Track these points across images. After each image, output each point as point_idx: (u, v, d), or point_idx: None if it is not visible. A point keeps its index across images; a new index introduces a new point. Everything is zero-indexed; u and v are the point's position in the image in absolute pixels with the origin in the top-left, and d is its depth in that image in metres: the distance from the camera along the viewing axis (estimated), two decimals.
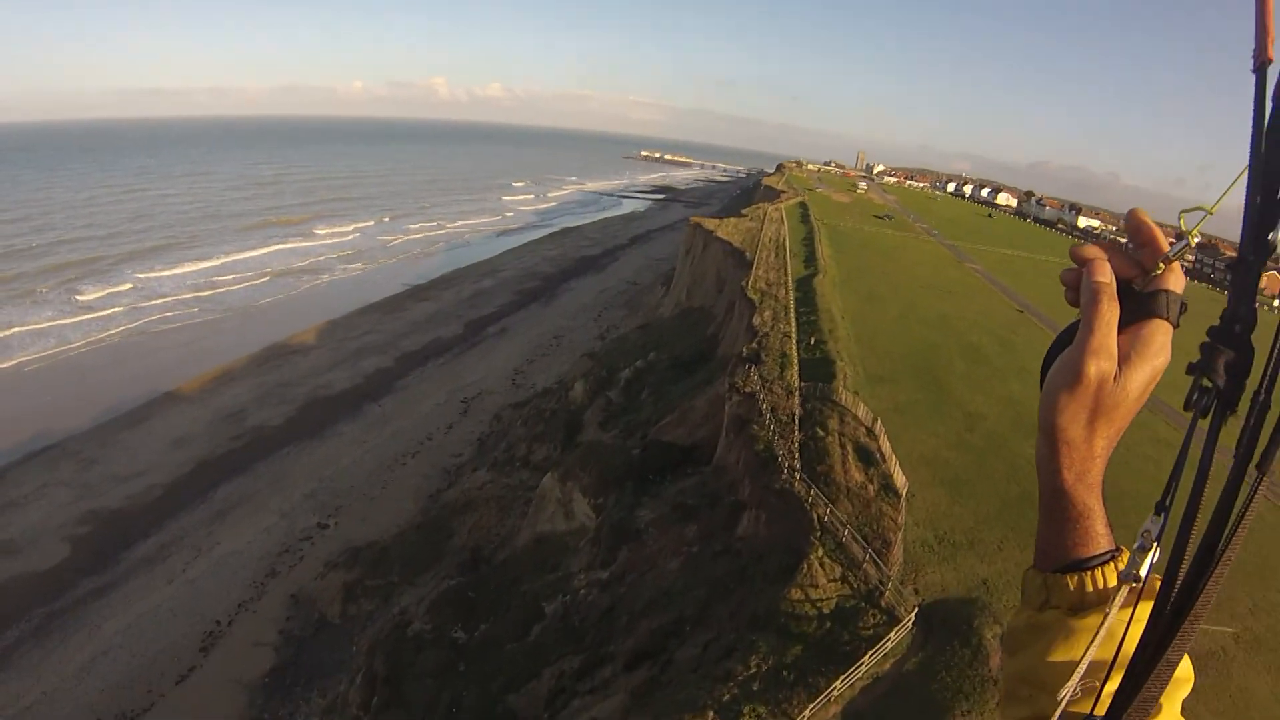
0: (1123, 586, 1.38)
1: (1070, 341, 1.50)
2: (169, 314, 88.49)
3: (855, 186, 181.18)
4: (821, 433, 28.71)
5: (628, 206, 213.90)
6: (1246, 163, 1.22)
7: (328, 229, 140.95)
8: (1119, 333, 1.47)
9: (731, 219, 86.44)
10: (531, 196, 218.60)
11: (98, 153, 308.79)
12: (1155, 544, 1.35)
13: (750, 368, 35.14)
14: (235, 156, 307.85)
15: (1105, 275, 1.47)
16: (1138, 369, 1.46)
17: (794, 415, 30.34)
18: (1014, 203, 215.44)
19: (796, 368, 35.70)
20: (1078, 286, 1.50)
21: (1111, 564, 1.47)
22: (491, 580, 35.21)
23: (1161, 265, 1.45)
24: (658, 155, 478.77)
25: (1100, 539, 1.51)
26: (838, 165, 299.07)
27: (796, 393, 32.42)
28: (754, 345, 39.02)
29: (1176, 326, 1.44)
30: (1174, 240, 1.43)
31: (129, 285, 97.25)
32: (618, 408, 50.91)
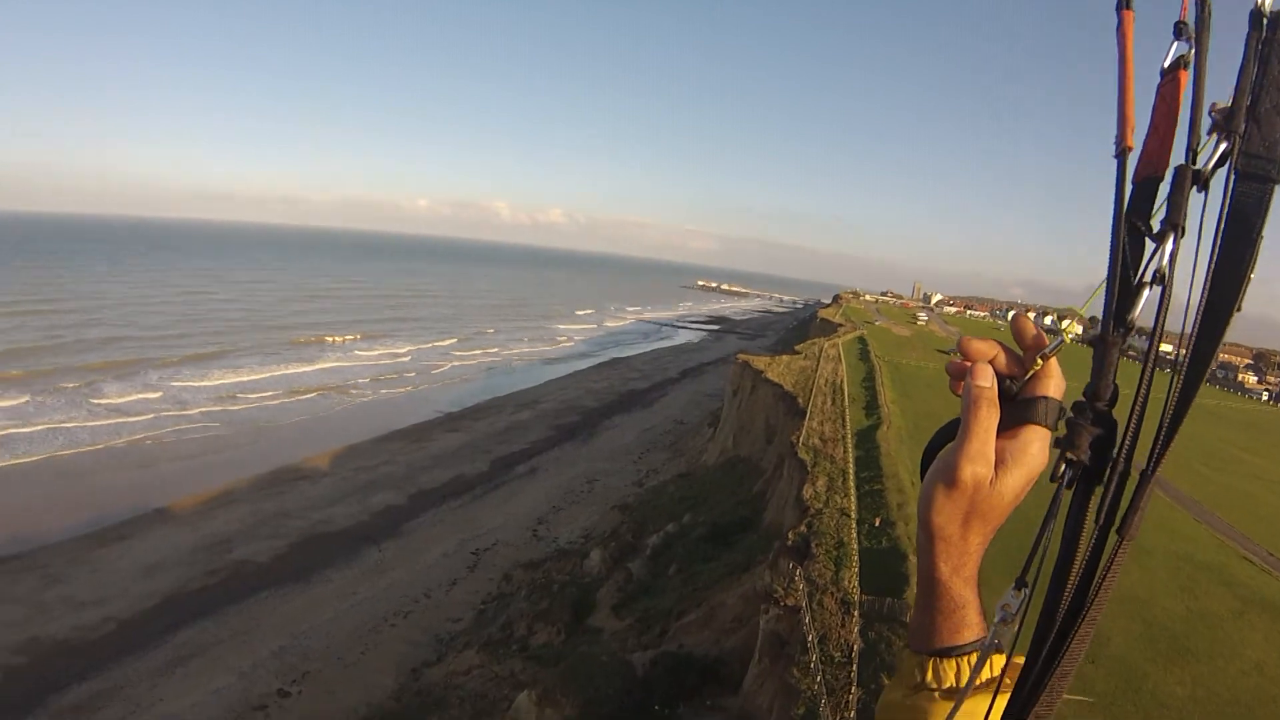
0: (982, 664, 1.46)
1: (951, 436, 1.55)
2: (186, 425, 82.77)
3: (915, 318, 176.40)
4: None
5: (681, 337, 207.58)
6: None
7: (374, 349, 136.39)
8: (998, 435, 1.52)
9: (784, 356, 79.24)
10: (586, 324, 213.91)
11: (167, 251, 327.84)
12: (1015, 617, 1.41)
13: (795, 567, 27.04)
14: (298, 266, 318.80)
15: (986, 379, 1.53)
16: (1013, 474, 1.50)
17: (851, 650, 22.00)
18: (1079, 329, 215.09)
19: (856, 568, 27.33)
20: (962, 378, 1.56)
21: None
22: None
23: (1040, 361, 1.52)
24: (714, 285, 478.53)
25: (974, 627, 1.56)
26: (894, 295, 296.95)
27: (856, 610, 24.14)
28: (803, 529, 31.04)
29: (1054, 431, 1.48)
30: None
31: (157, 393, 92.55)
32: (638, 586, 42.40)
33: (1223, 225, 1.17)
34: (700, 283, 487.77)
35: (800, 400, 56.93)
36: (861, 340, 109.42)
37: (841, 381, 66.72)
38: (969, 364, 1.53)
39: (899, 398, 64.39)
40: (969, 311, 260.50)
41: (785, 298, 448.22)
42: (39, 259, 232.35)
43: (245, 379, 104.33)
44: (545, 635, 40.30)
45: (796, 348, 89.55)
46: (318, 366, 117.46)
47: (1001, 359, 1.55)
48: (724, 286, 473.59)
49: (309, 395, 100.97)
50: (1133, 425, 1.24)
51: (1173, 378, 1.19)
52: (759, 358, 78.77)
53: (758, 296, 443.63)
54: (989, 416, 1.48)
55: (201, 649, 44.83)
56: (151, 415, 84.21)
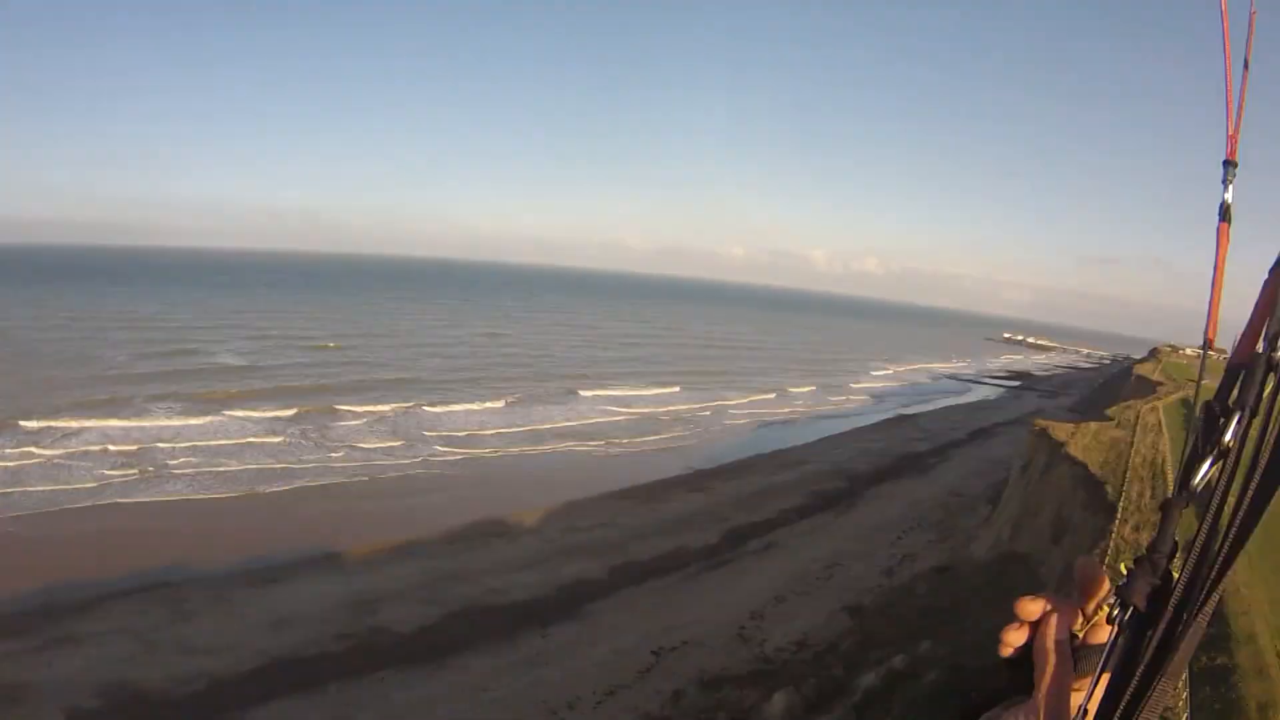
0: None
1: (991, 701, 1.56)
2: (410, 463, 79.75)
3: None
4: None
5: (978, 393, 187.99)
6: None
7: (647, 397, 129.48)
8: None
9: (1091, 424, 61.55)
10: (879, 377, 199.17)
11: (473, 290, 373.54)
12: None
13: None
14: (603, 309, 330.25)
15: (1061, 632, 1.53)
16: None
17: None
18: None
19: None
20: (1016, 644, 1.57)
21: None
22: None
23: (1104, 608, 1.51)
24: (1019, 338, 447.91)
25: None
26: (1216, 350, 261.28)
27: None
28: None
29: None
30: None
31: (395, 430, 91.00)
32: None
33: None
34: (1005, 335, 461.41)
35: (1108, 489, 41.11)
36: (1187, 404, 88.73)
37: (1164, 462, 49.65)
38: (1037, 619, 1.55)
39: None
40: None
41: (1093, 352, 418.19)
42: (350, 294, 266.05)
43: (496, 421, 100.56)
44: None
45: (1108, 412, 71.11)
46: (578, 412, 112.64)
47: (1064, 612, 1.54)
48: (1029, 340, 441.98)
49: (559, 443, 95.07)
50: (1184, 579, 1.29)
51: (1221, 541, 1.24)
52: (1061, 425, 61.72)
53: (1062, 350, 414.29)
54: (1065, 674, 1.47)
55: None
56: (380, 451, 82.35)
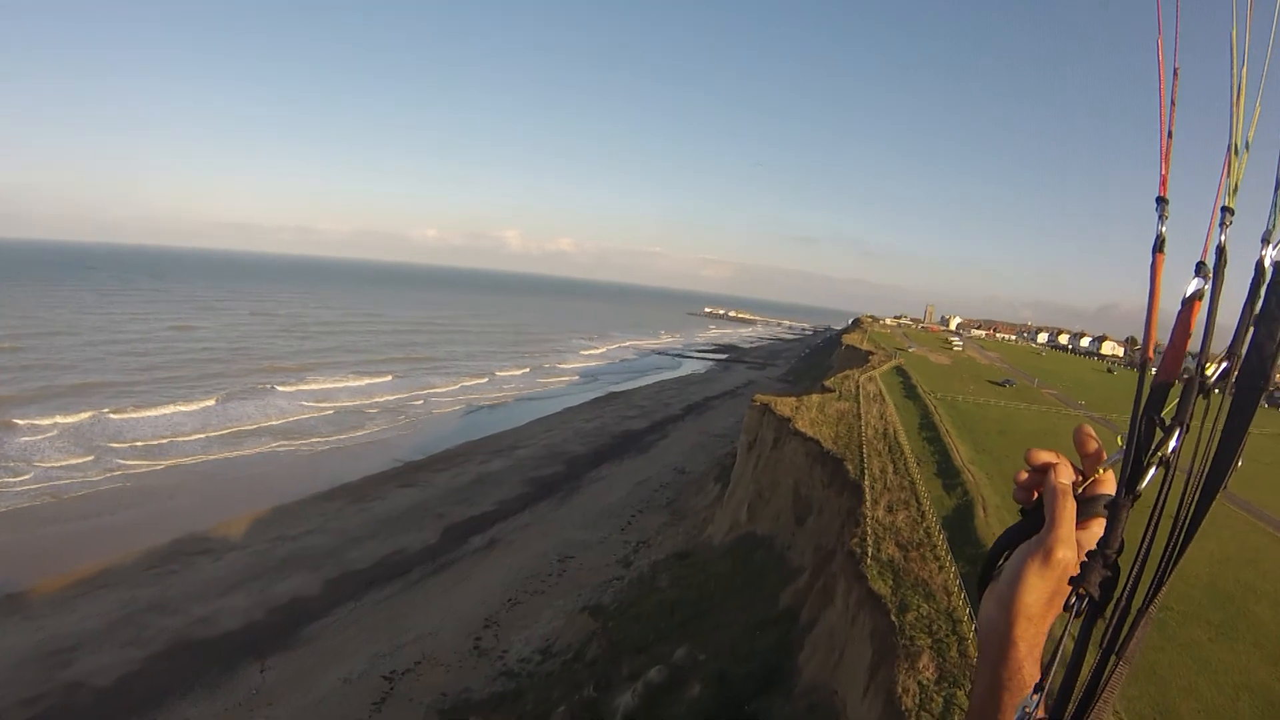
0: None
1: (1014, 541, 1.78)
2: (101, 478, 69.09)
3: (949, 343, 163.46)
4: None
5: (686, 367, 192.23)
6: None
7: (351, 388, 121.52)
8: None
9: (814, 397, 62.02)
10: (585, 354, 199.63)
11: (167, 281, 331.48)
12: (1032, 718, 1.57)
13: None
14: (300, 297, 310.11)
15: (1066, 477, 1.77)
16: None
17: None
18: (1120, 352, 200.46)
19: None
20: (1028, 487, 1.83)
21: None
22: None
23: (1101, 470, 1.77)
24: (722, 312, 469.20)
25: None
26: (913, 319, 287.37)
27: None
28: None
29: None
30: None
31: (82, 442, 78.81)
32: None
33: (1219, 425, 1.48)
34: (708, 310, 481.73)
35: (849, 466, 40.01)
36: (900, 371, 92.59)
37: (895, 431, 49.81)
38: (1046, 465, 1.79)
39: (977, 455, 47.50)
40: (997, 334, 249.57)
41: (795, 324, 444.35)
42: (26, 285, 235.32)
43: (192, 425, 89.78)
44: None
45: (827, 383, 72.02)
46: (279, 409, 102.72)
47: (1068, 465, 1.80)
48: (731, 313, 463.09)
49: (260, 442, 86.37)
50: (1135, 571, 1.49)
51: (1169, 538, 1.45)
52: (783, 399, 61.52)
53: (765, 324, 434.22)
54: (1072, 508, 1.70)
55: None
56: (64, 466, 70.96)
